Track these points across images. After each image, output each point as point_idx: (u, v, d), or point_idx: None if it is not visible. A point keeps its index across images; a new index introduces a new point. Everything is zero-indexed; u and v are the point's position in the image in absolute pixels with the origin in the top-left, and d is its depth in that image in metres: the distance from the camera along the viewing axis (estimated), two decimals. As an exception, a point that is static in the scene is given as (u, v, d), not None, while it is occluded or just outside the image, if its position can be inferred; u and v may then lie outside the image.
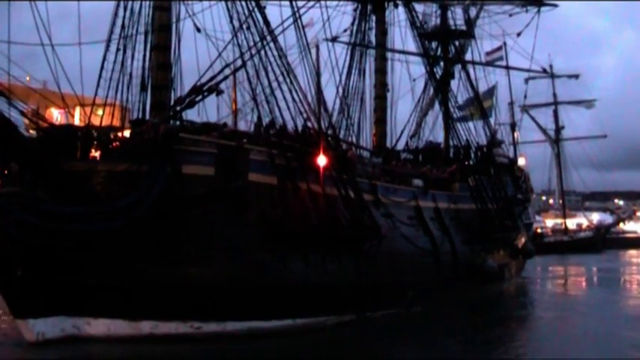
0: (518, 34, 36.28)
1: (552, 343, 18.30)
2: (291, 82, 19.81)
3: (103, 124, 19.56)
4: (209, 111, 20.16)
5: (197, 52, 20.13)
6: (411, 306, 21.66)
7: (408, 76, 32.67)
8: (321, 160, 18.95)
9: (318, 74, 40.22)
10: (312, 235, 18.46)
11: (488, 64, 39.47)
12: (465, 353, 17.08)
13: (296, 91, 19.82)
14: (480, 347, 17.70)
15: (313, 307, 18.40)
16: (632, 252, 63.73)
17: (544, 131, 69.18)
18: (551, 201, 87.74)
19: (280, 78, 19.55)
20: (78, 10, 18.12)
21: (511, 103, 60.04)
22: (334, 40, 30.19)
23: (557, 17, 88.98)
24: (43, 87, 20.17)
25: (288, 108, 19.45)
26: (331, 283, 18.67)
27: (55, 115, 21.42)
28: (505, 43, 41.49)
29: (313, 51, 36.35)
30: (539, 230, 64.76)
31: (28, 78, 18.42)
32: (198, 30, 21.40)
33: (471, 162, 31.15)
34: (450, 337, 18.99)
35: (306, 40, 21.15)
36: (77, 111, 19.96)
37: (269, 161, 17.95)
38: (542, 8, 34.55)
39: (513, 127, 59.99)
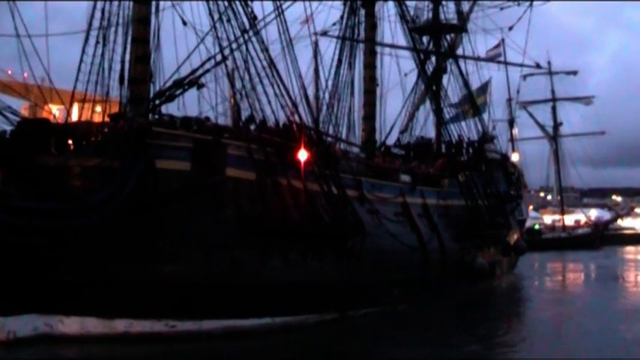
0: (510, 28, 36.19)
1: (548, 341, 18.11)
2: (273, 76, 19.44)
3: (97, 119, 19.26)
4: (195, 105, 19.87)
5: (176, 46, 19.74)
6: (396, 304, 21.34)
7: (398, 71, 32.18)
8: (302, 155, 18.57)
9: (316, 71, 39.97)
10: (292, 232, 18.11)
11: (482, 59, 39.01)
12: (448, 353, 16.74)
13: (278, 85, 19.46)
14: (469, 346, 17.32)
15: (293, 305, 18.08)
16: (630, 248, 63.35)
17: (542, 128, 68.81)
18: (549, 197, 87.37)
19: (262, 72, 19.19)
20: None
21: (509, 100, 59.65)
22: (323, 34, 29.84)
23: (546, 16, 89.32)
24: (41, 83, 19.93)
25: (269, 102, 19.10)
26: (312, 281, 18.33)
27: (54, 110, 21.14)
28: (503, 40, 41.13)
29: (312, 47, 36.25)
30: (537, 227, 64.34)
31: (25, 74, 18.32)
32: (184, 23, 20.99)
33: (463, 157, 30.75)
34: (435, 335, 18.71)
35: (289, 34, 20.72)
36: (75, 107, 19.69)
37: (247, 156, 17.60)
38: (535, 2, 34.34)
39: (511, 123, 59.64)
